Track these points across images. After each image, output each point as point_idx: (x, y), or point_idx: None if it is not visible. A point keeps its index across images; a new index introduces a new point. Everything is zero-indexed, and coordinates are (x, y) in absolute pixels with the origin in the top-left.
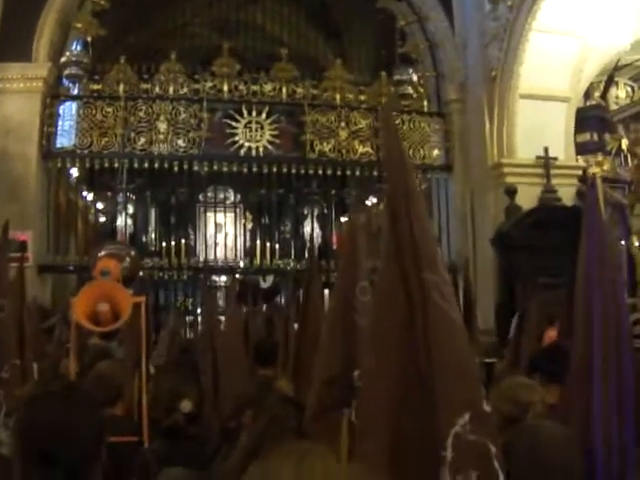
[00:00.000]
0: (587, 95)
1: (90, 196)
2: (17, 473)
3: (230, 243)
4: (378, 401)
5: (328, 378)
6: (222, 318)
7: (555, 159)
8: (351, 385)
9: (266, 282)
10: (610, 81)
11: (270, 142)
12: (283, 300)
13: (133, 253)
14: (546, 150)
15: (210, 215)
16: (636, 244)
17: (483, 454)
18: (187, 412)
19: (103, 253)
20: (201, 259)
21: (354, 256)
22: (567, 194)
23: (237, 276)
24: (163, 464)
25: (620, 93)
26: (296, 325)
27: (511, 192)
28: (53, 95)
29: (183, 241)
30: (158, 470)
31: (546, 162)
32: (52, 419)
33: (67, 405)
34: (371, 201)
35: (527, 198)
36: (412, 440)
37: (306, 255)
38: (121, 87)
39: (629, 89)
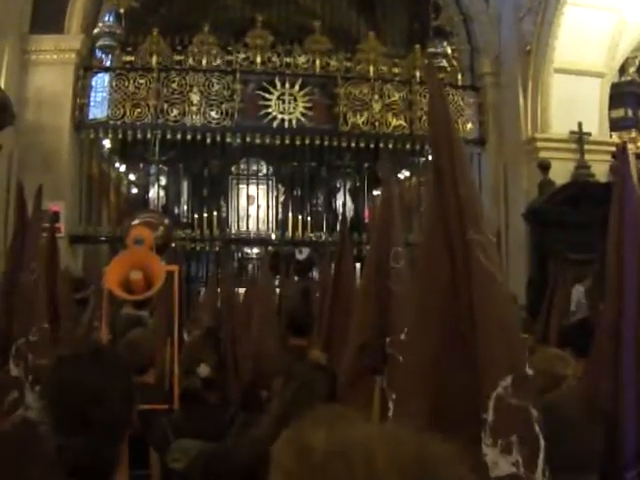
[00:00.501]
0: (622, 70)
1: (122, 167)
2: (48, 438)
3: (262, 215)
4: (418, 363)
5: (361, 345)
6: (241, 290)
7: (589, 134)
8: (383, 352)
9: (302, 254)
10: None
11: (303, 114)
12: (315, 273)
13: (167, 222)
14: (580, 125)
15: (242, 187)
16: None
17: (524, 418)
18: (204, 376)
19: (137, 221)
20: (233, 231)
21: (388, 222)
22: (600, 170)
23: (270, 248)
24: (180, 432)
25: None
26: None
27: (544, 167)
28: (86, 67)
29: (215, 213)
30: (174, 438)
31: (580, 137)
32: (82, 380)
33: (97, 366)
34: (404, 175)
35: (560, 173)
36: (453, 402)
37: (338, 228)
38: (154, 59)
39: None
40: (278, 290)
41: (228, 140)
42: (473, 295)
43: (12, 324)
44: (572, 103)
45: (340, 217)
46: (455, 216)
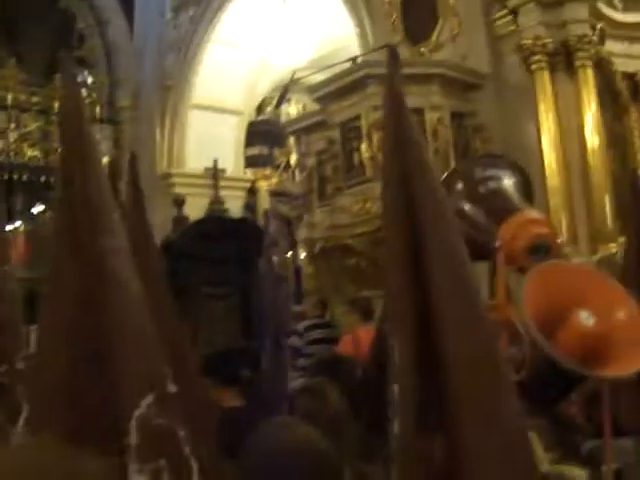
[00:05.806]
0: (260, 109)
1: None
2: None
3: None
4: (52, 376)
5: None
6: None
7: (224, 171)
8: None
9: None
10: (283, 96)
11: None
12: None
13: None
14: (215, 162)
15: None
16: (302, 256)
17: (172, 440)
18: None
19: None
20: None
21: None
22: (235, 205)
23: None
24: None
25: (292, 109)
26: None
27: (179, 202)
28: None
29: None
30: None
31: (215, 173)
32: None
33: None
34: (38, 208)
35: (196, 208)
36: (94, 423)
37: None
38: None
39: (300, 106)
40: None
41: None
42: (111, 306)
43: None
44: (209, 140)
45: None
46: (85, 224)
